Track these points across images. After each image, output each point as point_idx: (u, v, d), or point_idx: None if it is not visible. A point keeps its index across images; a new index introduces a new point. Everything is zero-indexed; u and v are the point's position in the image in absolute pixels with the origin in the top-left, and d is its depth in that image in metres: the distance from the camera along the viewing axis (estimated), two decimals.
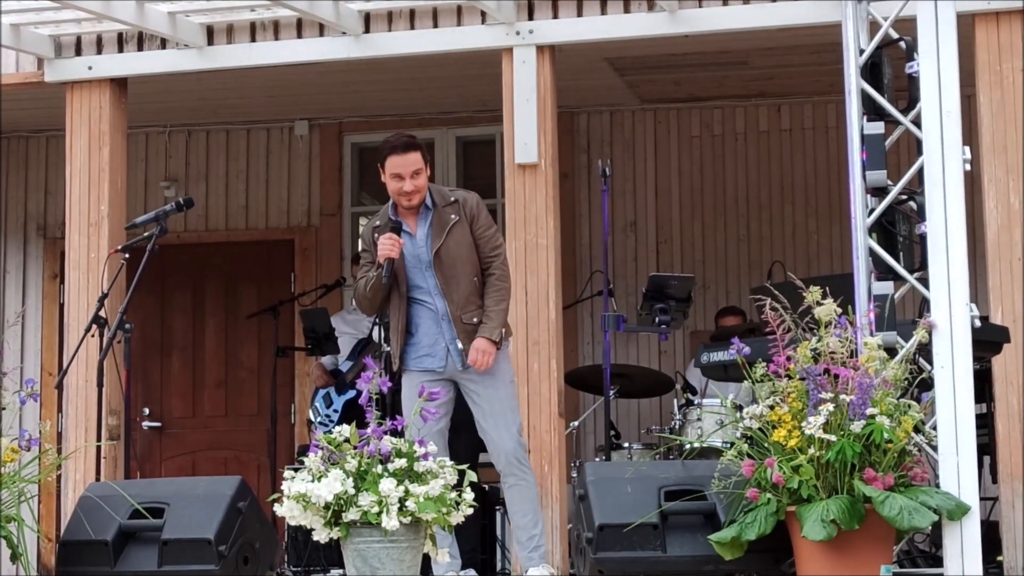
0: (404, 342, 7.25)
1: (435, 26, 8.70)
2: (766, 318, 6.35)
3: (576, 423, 9.44)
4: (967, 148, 6.41)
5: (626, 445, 9.12)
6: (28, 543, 7.05)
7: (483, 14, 8.54)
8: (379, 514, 5.88)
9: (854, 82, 6.70)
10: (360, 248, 7.48)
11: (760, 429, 6.34)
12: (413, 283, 7.24)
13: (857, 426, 6.10)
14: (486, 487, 8.93)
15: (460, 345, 7.17)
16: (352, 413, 9.24)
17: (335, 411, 9.69)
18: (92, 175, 8.90)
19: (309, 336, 9.82)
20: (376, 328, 8.94)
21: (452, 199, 7.28)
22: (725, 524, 6.35)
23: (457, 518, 6.09)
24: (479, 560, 8.72)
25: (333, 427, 9.04)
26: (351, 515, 5.91)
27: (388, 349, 8.60)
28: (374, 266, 7.24)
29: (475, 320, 7.18)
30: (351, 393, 9.72)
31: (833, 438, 6.09)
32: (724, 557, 6.28)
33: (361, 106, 10.83)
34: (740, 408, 6.63)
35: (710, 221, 10.89)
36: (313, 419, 9.88)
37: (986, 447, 7.91)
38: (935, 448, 6.33)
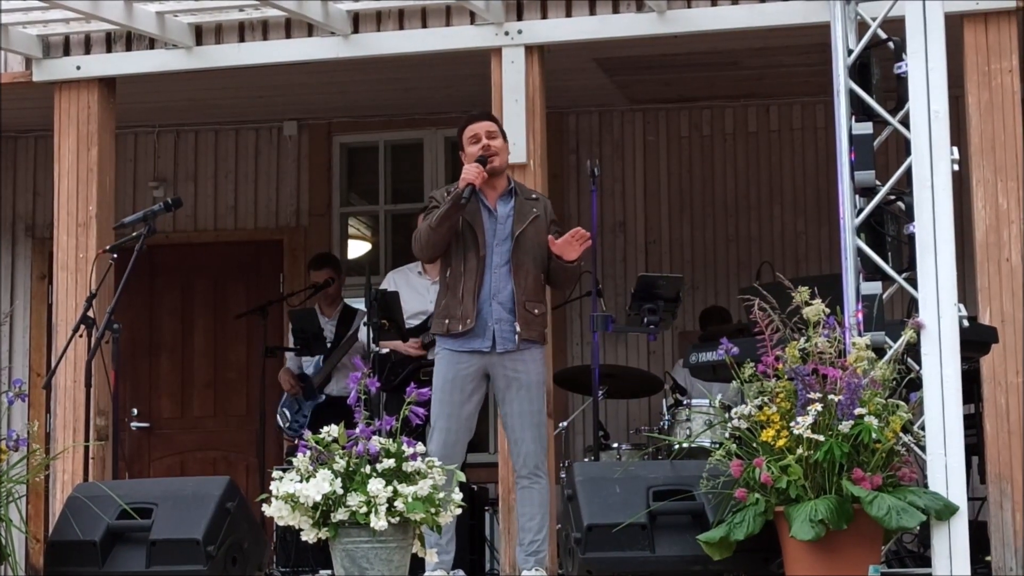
0: (476, 297, 7.22)
1: (424, 26, 8.70)
2: (755, 318, 6.35)
3: (565, 423, 9.44)
4: (955, 148, 6.42)
5: (615, 445, 9.11)
6: (16, 544, 7.04)
7: (472, 14, 8.54)
8: (367, 514, 5.88)
9: (843, 82, 6.71)
10: (429, 207, 7.41)
11: (748, 429, 6.35)
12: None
13: (845, 426, 6.11)
14: (475, 487, 8.94)
15: (518, 328, 7.20)
16: (321, 419, 9.22)
17: (304, 416, 9.69)
18: (80, 175, 8.88)
19: (298, 336, 9.82)
20: (365, 328, 8.93)
21: (534, 195, 7.52)
22: (713, 524, 6.36)
23: (446, 518, 6.09)
24: (468, 560, 8.72)
25: (302, 433, 9.05)
26: (339, 515, 5.91)
27: (377, 350, 8.62)
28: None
29: (536, 311, 7.27)
30: (321, 398, 9.73)
31: (821, 438, 6.10)
32: (712, 557, 6.29)
33: (350, 106, 10.83)
34: (728, 408, 6.63)
35: (699, 221, 10.90)
36: (281, 424, 9.88)
37: (974, 447, 7.92)
38: (923, 448, 6.34)
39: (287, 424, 9.78)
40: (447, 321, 7.27)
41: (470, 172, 7.20)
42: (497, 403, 7.39)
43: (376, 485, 5.89)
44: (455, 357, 7.26)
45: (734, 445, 6.39)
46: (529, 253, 7.30)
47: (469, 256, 7.26)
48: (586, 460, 9.27)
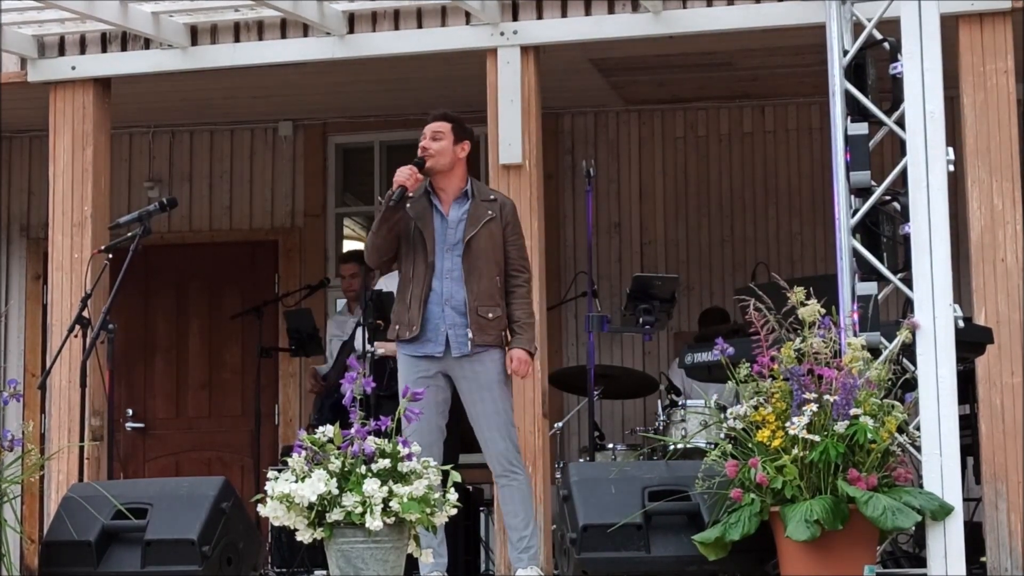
0: (424, 306, 7.20)
1: (419, 26, 8.70)
2: (750, 319, 6.35)
3: (560, 424, 9.44)
4: (950, 149, 6.42)
5: (610, 446, 9.12)
6: (11, 544, 7.03)
7: (467, 15, 8.55)
8: (363, 514, 5.87)
9: (838, 83, 6.71)
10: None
11: (744, 429, 6.35)
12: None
13: (841, 426, 6.10)
14: (470, 488, 8.93)
15: (470, 334, 7.18)
16: (336, 417, 9.22)
17: (325, 414, 9.68)
18: (75, 175, 8.89)
19: (293, 337, 9.81)
20: (360, 329, 8.92)
21: (491, 197, 7.39)
22: (709, 524, 6.36)
23: (441, 519, 6.09)
24: (463, 561, 8.72)
25: None
26: (335, 515, 5.90)
27: (372, 350, 8.61)
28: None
29: (490, 315, 7.20)
30: (335, 396, 9.72)
31: (817, 438, 6.09)
32: (708, 557, 6.28)
33: (345, 107, 10.83)
34: (724, 409, 6.63)
35: (694, 222, 10.90)
36: (313, 422, 9.89)
37: (969, 448, 7.93)
38: (919, 448, 6.34)
39: (313, 421, 9.78)
40: (397, 327, 7.27)
41: (401, 174, 7.17)
42: (464, 407, 7.36)
43: (371, 485, 5.89)
44: (413, 361, 7.24)
45: (729, 445, 6.38)
46: (482, 257, 7.23)
47: (418, 261, 7.22)
48: (581, 460, 9.28)
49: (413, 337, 7.18)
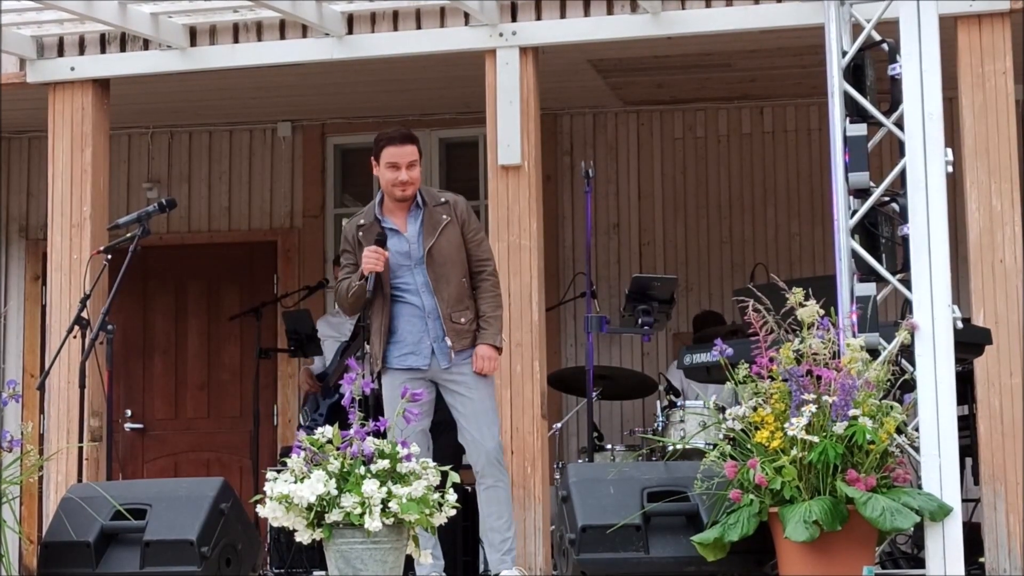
0: (387, 342, 7.24)
1: (418, 27, 8.70)
2: (749, 320, 6.36)
3: (559, 425, 9.44)
4: (949, 150, 6.43)
5: (609, 446, 9.12)
6: (10, 545, 7.03)
7: (466, 15, 8.55)
8: (362, 515, 5.87)
9: (837, 84, 6.71)
10: (341, 248, 7.49)
11: (743, 430, 6.35)
12: (398, 281, 7.26)
13: (839, 427, 6.10)
14: (468, 489, 8.93)
15: (449, 343, 7.19)
16: (337, 417, 9.22)
17: (320, 415, 9.68)
18: (74, 176, 8.89)
19: (292, 338, 9.81)
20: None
21: (443, 200, 7.39)
22: (708, 525, 6.36)
23: (440, 519, 6.09)
24: (461, 562, 8.72)
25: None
26: (334, 516, 5.91)
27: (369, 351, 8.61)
28: (356, 270, 7.27)
29: (463, 320, 7.23)
30: (335, 397, 9.72)
31: (815, 439, 6.09)
32: (707, 558, 6.29)
33: (344, 108, 10.83)
34: (722, 409, 6.63)
35: (693, 223, 10.90)
36: (302, 422, 9.88)
37: (968, 449, 7.93)
38: (917, 449, 6.35)
39: (307, 422, 9.78)
40: (369, 357, 7.31)
41: (370, 260, 7.15)
42: (449, 409, 7.36)
43: (370, 486, 5.89)
44: (398, 372, 7.27)
45: (728, 446, 6.39)
46: (446, 264, 7.26)
47: (377, 295, 7.24)
48: (580, 461, 9.27)
49: (378, 371, 7.22)
